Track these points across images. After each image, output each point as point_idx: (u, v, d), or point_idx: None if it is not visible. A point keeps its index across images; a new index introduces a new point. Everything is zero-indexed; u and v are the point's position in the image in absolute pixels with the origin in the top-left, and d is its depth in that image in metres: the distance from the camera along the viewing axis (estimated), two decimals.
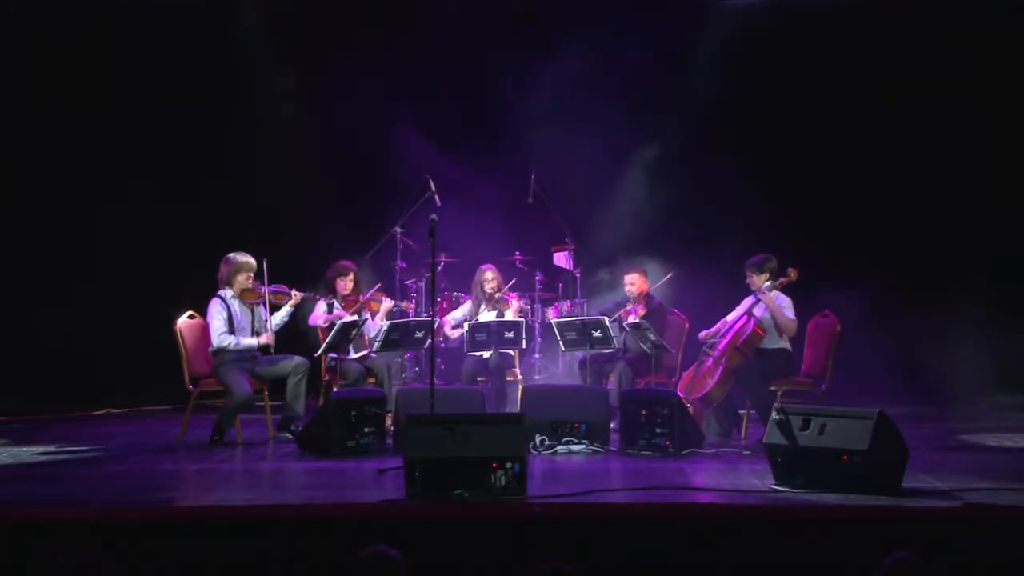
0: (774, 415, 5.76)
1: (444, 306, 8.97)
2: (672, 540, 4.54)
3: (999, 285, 9.46)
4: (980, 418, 8.52)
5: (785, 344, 7.72)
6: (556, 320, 8.11)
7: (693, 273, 8.92)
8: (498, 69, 9.93)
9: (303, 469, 6.55)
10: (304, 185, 10.04)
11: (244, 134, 9.97)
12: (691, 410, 7.31)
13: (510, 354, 8.30)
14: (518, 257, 9.52)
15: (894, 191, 9.61)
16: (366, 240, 9.36)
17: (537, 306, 9.38)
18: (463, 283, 9.20)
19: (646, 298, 8.16)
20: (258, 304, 7.67)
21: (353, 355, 7.97)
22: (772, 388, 7.56)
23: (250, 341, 7.52)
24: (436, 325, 8.00)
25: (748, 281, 7.84)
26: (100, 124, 9.86)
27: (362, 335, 7.97)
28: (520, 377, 8.44)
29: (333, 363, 7.73)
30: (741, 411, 7.83)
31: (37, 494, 5.76)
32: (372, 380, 7.86)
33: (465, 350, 8.10)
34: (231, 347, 7.48)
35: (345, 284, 8.10)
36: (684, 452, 6.82)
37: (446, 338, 8.59)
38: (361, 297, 8.15)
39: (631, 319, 7.94)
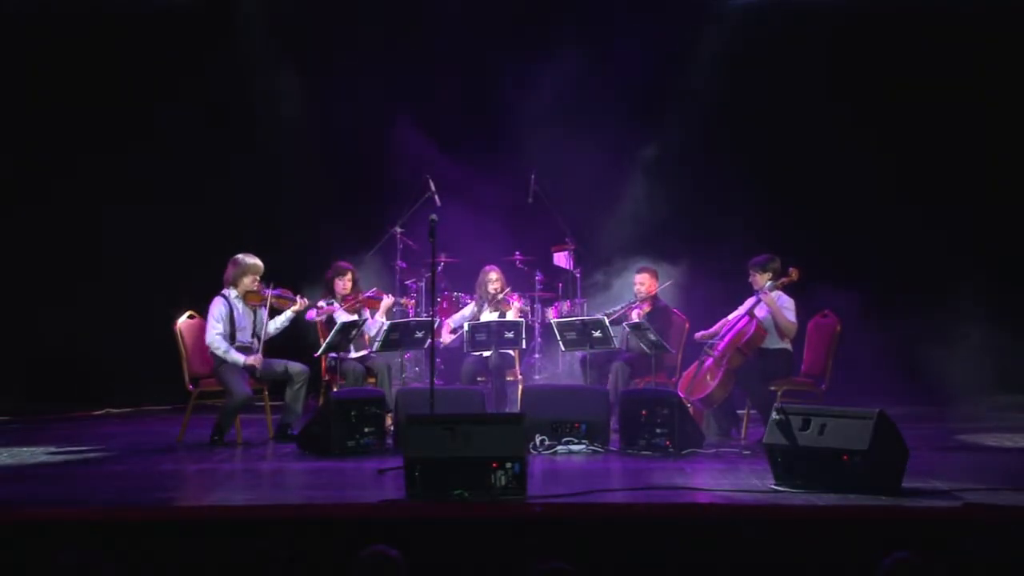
0: (774, 415, 5.76)
1: (444, 306, 8.97)
2: (672, 540, 4.53)
3: (999, 285, 9.46)
4: (980, 418, 8.53)
5: (786, 344, 7.72)
6: (556, 320, 8.11)
7: (693, 273, 8.92)
8: (498, 69, 9.94)
9: (303, 469, 6.55)
10: (304, 185, 10.05)
11: (244, 134, 9.97)
12: (691, 410, 7.31)
13: (510, 354, 8.30)
14: (518, 257, 9.53)
15: (894, 191, 9.61)
16: (366, 240, 9.36)
17: (537, 306, 9.38)
18: (463, 283, 9.21)
19: (652, 299, 8.17)
20: (261, 306, 7.66)
21: (353, 354, 7.98)
22: (772, 388, 7.56)
23: (237, 357, 7.47)
24: (437, 325, 8.00)
25: (751, 280, 7.85)
26: (100, 124, 9.86)
27: (362, 334, 7.98)
28: (520, 377, 8.44)
29: (333, 363, 7.73)
30: (741, 411, 7.83)
31: (37, 494, 5.76)
32: (372, 380, 7.86)
33: (465, 350, 8.10)
34: (220, 353, 7.46)
35: (344, 284, 8.11)
36: (684, 452, 6.82)
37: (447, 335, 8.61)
38: (360, 296, 8.15)
39: (634, 316, 7.95)
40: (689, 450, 6.85)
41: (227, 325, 7.53)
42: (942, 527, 4.59)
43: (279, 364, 7.63)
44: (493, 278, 8.44)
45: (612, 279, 9.06)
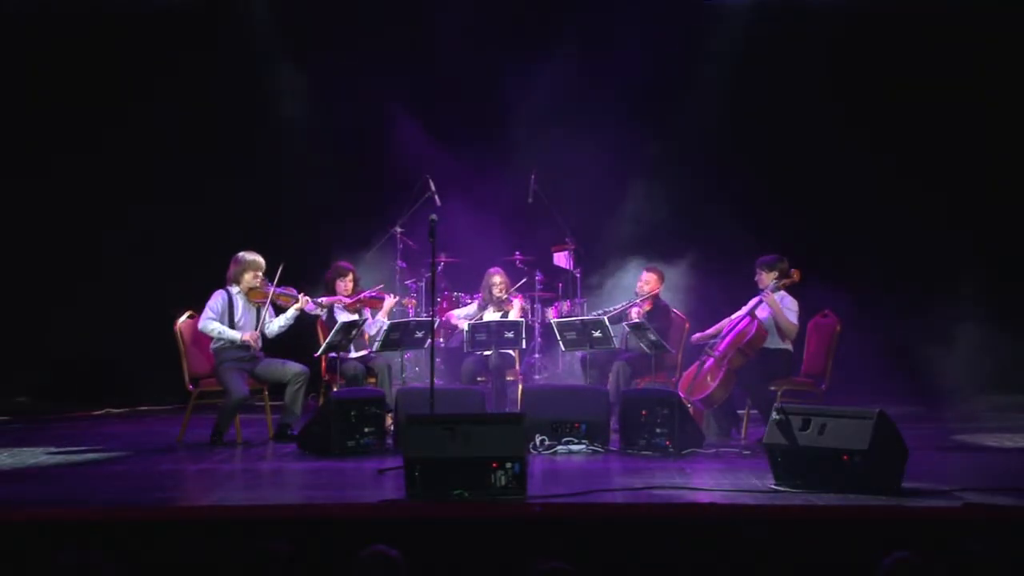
0: (774, 415, 5.76)
1: (444, 306, 8.98)
2: (672, 540, 4.53)
3: (999, 285, 9.47)
4: (980, 418, 8.53)
5: (786, 344, 7.72)
6: (556, 320, 8.11)
7: (692, 273, 8.92)
8: (498, 69, 9.93)
9: (303, 469, 6.55)
10: (304, 185, 10.05)
11: (244, 134, 9.97)
12: (691, 410, 7.31)
13: (510, 354, 8.30)
14: (518, 257, 9.53)
15: (894, 191, 9.62)
16: (366, 240, 9.36)
17: (537, 306, 9.38)
18: (463, 283, 9.21)
19: (653, 298, 8.17)
20: (264, 304, 7.65)
21: (353, 354, 7.98)
22: (772, 388, 7.56)
23: (233, 334, 7.48)
24: (436, 325, 8.00)
25: (757, 278, 7.84)
26: (100, 124, 9.86)
27: (362, 334, 7.98)
28: (520, 377, 8.44)
29: (333, 363, 7.73)
30: (741, 411, 7.83)
31: (37, 494, 5.76)
32: (372, 380, 7.86)
33: (465, 349, 8.10)
34: (215, 334, 7.45)
35: (345, 285, 8.11)
36: (684, 452, 6.82)
37: (454, 327, 8.60)
38: (362, 296, 8.15)
39: (634, 315, 7.95)
40: (689, 450, 6.85)
41: (225, 320, 7.52)
42: (942, 527, 4.59)
43: (278, 364, 7.63)
44: (497, 281, 8.45)
45: (612, 279, 9.05)
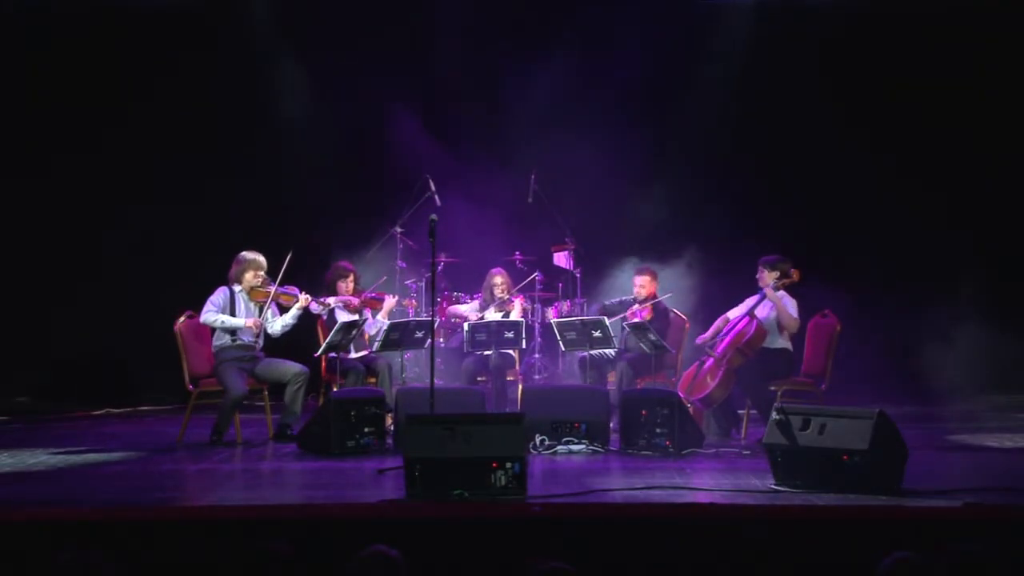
0: (774, 415, 5.76)
1: (444, 306, 8.98)
2: (672, 540, 4.53)
3: (999, 285, 9.47)
4: (980, 418, 8.53)
5: (786, 344, 7.72)
6: (556, 320, 8.11)
7: (692, 273, 8.92)
8: (498, 69, 9.94)
9: (303, 469, 6.55)
10: (304, 185, 10.05)
11: (244, 134, 9.97)
12: (691, 410, 7.31)
13: (510, 354, 8.30)
14: (518, 257, 9.53)
15: (894, 191, 9.62)
16: (366, 240, 9.36)
17: (537, 306, 9.38)
18: (463, 283, 9.21)
19: (653, 303, 8.14)
20: (266, 303, 7.65)
21: (353, 354, 7.98)
22: (772, 388, 7.56)
23: (236, 321, 7.50)
24: (436, 325, 8.01)
25: (758, 276, 7.85)
26: (100, 124, 9.86)
27: (362, 334, 7.98)
28: (520, 377, 8.44)
29: (333, 362, 7.73)
30: (741, 411, 7.83)
31: (37, 494, 5.75)
32: (372, 380, 7.86)
33: (465, 349, 8.10)
34: (216, 324, 7.47)
35: (346, 285, 8.11)
36: (684, 452, 6.82)
37: (457, 316, 8.61)
38: (363, 295, 8.15)
39: (635, 318, 7.95)
40: (689, 450, 6.85)
41: (223, 311, 7.52)
42: (942, 527, 4.59)
43: (278, 363, 7.63)
44: (499, 282, 8.45)
45: (612, 279, 9.05)
